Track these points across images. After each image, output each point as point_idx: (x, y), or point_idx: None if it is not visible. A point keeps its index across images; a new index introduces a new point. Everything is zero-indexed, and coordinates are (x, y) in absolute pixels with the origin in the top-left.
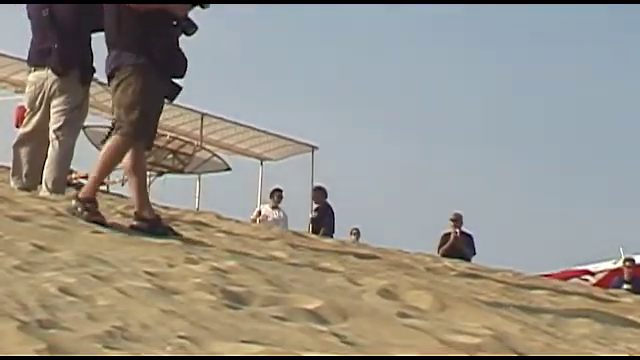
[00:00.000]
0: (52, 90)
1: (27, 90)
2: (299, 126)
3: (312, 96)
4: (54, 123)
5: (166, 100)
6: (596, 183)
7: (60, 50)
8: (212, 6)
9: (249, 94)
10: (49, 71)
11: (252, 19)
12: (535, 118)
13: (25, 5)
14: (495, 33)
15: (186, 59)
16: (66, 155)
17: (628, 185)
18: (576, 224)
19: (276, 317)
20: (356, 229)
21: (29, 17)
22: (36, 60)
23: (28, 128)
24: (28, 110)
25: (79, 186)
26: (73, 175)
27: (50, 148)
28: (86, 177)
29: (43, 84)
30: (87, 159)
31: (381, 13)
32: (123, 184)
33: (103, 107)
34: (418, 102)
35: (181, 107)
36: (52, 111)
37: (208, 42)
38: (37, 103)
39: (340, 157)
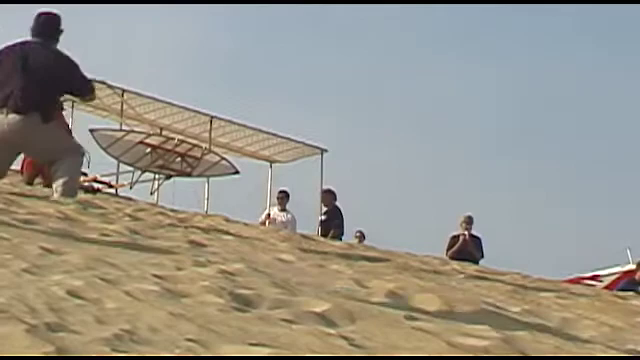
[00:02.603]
0: (18, 135)
1: None
2: (305, 129)
3: (317, 99)
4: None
5: None
6: (598, 188)
7: (23, 90)
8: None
9: (254, 96)
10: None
11: (253, 20)
12: (539, 119)
13: None
14: (496, 33)
15: None
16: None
17: (631, 189)
18: (579, 229)
19: (284, 320)
20: (360, 232)
21: None
22: None
23: None
24: None
25: (89, 189)
26: (82, 178)
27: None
28: (95, 180)
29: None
30: (95, 162)
31: (386, 14)
32: (131, 187)
33: (111, 110)
34: (423, 104)
35: (190, 110)
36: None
37: (207, 44)
38: None
39: (348, 160)
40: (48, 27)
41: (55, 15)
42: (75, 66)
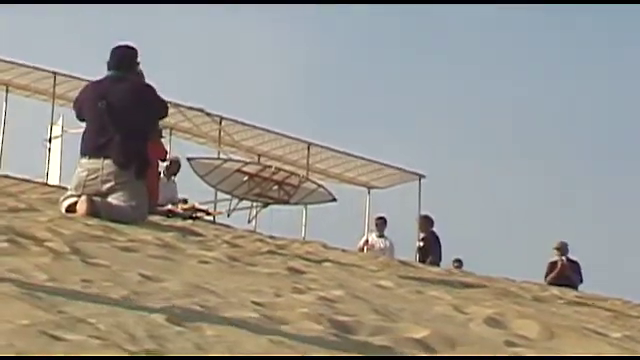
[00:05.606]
0: (110, 183)
1: (78, 171)
2: (403, 155)
3: (415, 125)
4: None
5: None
6: None
7: (122, 142)
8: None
9: (350, 123)
10: (106, 161)
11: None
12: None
13: (76, 97)
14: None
15: None
16: (124, 215)
17: None
18: None
19: (384, 347)
20: (458, 260)
21: (79, 112)
22: (94, 151)
23: (61, 208)
24: (72, 191)
25: (188, 217)
26: (180, 206)
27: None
28: (194, 208)
29: (97, 173)
30: (193, 189)
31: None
32: (229, 215)
33: (209, 137)
34: (521, 129)
35: (288, 137)
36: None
37: (303, 70)
38: (82, 189)
39: (446, 186)
40: (125, 60)
41: (132, 48)
42: (153, 92)
